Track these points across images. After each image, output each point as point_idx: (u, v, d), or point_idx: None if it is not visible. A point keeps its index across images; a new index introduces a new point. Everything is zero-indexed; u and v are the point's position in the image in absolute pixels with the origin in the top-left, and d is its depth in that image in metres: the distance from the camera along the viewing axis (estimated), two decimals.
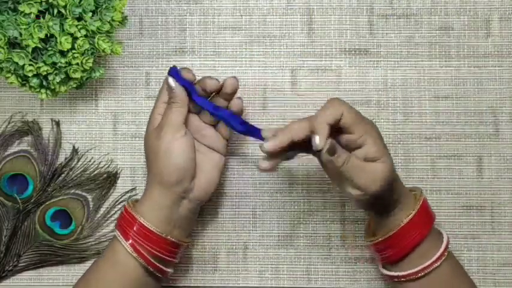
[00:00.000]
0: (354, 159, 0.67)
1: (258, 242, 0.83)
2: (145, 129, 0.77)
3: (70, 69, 0.74)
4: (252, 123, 0.75)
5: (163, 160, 0.73)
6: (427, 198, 0.74)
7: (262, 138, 0.72)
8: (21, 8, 0.71)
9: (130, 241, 0.73)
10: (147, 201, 0.74)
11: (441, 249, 0.72)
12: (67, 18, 0.72)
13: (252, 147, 0.83)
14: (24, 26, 0.71)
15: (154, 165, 0.74)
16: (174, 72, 0.75)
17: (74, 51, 0.73)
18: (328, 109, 0.67)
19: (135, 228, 0.73)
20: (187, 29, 0.85)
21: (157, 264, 0.74)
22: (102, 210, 0.83)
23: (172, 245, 0.74)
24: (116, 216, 0.83)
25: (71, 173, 0.84)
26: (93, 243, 0.83)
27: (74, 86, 0.77)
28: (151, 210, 0.74)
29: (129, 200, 0.78)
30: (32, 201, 0.82)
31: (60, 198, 0.83)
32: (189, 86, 0.75)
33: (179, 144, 0.73)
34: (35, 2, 0.71)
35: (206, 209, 0.83)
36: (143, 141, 0.77)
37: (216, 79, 0.75)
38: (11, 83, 0.75)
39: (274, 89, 0.83)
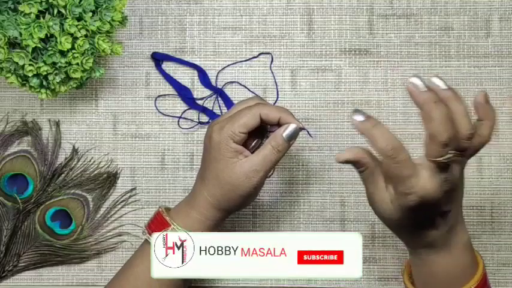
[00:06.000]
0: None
1: None
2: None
3: (70, 69, 0.74)
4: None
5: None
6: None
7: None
8: (21, 8, 0.71)
9: None
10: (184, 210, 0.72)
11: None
12: (67, 18, 0.72)
13: None
14: (24, 26, 0.71)
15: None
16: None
17: (74, 51, 0.73)
18: None
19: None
20: (187, 29, 0.85)
21: None
22: (102, 210, 0.83)
23: None
24: (116, 216, 0.83)
25: (71, 173, 0.84)
26: (93, 243, 0.83)
27: (74, 86, 0.77)
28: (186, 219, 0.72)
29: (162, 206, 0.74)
30: (32, 201, 0.82)
31: (60, 198, 0.83)
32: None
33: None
34: (35, 2, 0.71)
35: None
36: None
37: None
38: (11, 83, 0.75)
39: (274, 89, 0.83)
